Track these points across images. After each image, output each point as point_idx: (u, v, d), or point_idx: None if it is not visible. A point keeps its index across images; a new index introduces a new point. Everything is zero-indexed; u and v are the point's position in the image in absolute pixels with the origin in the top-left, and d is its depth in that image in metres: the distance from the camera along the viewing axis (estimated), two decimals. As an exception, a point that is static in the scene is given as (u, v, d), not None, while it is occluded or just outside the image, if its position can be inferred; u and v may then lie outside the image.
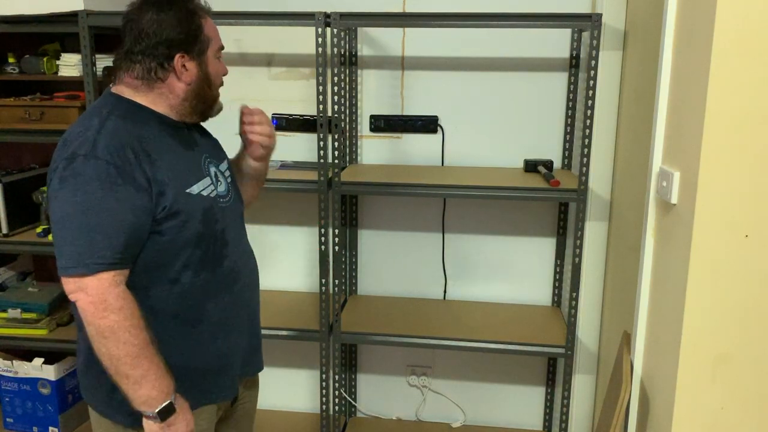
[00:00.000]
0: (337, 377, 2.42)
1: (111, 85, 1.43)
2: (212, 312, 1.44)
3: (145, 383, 1.29)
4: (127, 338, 1.27)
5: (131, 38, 1.36)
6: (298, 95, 2.55)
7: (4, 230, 2.46)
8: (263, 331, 2.29)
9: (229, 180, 1.54)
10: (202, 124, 1.53)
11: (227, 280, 1.47)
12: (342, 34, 2.31)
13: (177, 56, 1.36)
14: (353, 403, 2.78)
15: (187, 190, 1.37)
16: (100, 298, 1.26)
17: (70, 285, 1.27)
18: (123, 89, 1.39)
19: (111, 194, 1.26)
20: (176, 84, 1.38)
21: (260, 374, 1.69)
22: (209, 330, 1.45)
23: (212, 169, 1.48)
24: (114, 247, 1.27)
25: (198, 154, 1.46)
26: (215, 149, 1.56)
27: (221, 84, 1.48)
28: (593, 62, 2.02)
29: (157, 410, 1.31)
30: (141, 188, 1.29)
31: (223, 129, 1.67)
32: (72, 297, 1.28)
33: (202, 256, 1.41)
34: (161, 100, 1.39)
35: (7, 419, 2.62)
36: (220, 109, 1.50)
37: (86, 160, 1.26)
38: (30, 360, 2.54)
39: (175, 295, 1.38)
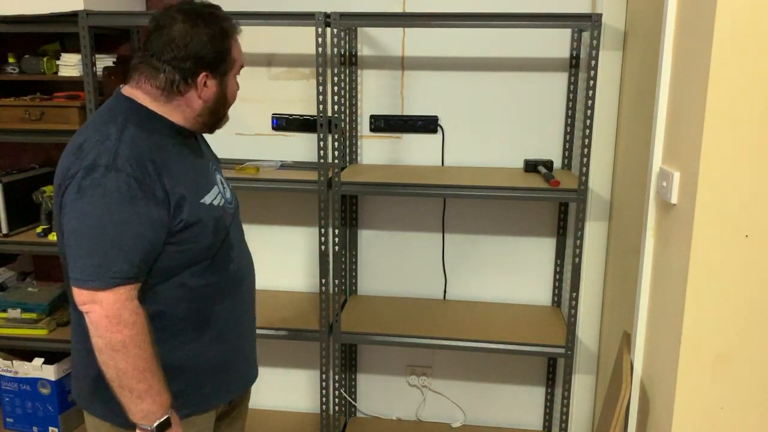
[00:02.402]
0: (337, 377, 2.41)
1: (121, 86, 1.41)
2: (220, 314, 1.45)
3: (147, 397, 1.29)
4: (136, 352, 1.27)
5: (159, 44, 1.34)
6: (298, 95, 2.55)
7: (4, 230, 2.46)
8: (264, 331, 2.32)
9: (230, 185, 1.55)
10: None
11: (233, 282, 1.48)
12: (342, 34, 2.31)
13: (201, 74, 1.36)
14: (353, 403, 2.78)
15: (201, 201, 1.38)
16: (115, 313, 1.25)
17: (83, 297, 1.26)
18: (139, 95, 1.37)
19: (131, 208, 1.25)
20: (195, 100, 1.38)
21: (261, 374, 1.69)
22: (217, 332, 1.45)
23: (218, 177, 1.49)
24: (131, 262, 1.26)
25: (206, 162, 1.47)
26: (214, 156, 1.57)
27: (233, 102, 1.48)
28: (593, 62, 2.02)
29: (155, 425, 1.30)
30: (159, 202, 1.29)
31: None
32: (83, 308, 1.27)
33: (210, 262, 1.41)
34: (177, 111, 1.39)
35: (7, 419, 2.62)
36: (226, 121, 1.50)
37: (107, 171, 1.25)
38: (30, 360, 2.54)
39: (185, 298, 1.38)
